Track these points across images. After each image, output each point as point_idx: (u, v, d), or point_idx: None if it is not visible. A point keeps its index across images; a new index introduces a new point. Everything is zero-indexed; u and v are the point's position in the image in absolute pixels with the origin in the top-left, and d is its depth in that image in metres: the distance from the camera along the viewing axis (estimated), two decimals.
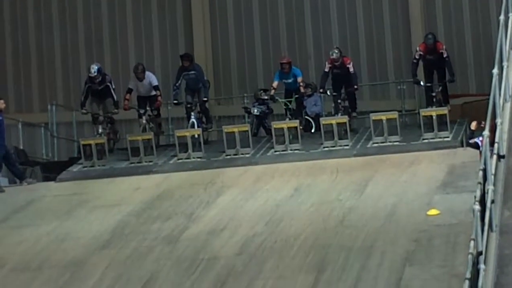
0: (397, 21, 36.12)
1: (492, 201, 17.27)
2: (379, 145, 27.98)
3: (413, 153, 26.36)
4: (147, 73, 30.31)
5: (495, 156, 18.74)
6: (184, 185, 26.93)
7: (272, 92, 29.49)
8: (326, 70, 29.46)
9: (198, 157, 29.22)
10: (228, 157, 28.97)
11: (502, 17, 23.21)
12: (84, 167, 30.14)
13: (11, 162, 28.73)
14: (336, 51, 28.60)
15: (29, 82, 38.51)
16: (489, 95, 20.44)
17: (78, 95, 34.02)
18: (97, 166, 29.90)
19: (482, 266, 15.40)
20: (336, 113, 29.33)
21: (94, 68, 29.60)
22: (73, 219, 24.79)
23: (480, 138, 20.20)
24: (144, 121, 29.91)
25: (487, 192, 17.22)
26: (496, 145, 19.11)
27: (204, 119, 30.44)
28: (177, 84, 30.23)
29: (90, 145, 30.13)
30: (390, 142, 27.83)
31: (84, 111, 30.29)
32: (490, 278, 15.95)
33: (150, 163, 29.43)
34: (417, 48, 27.58)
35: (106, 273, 21.09)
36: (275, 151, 28.82)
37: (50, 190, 28.03)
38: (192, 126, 29.32)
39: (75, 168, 30.20)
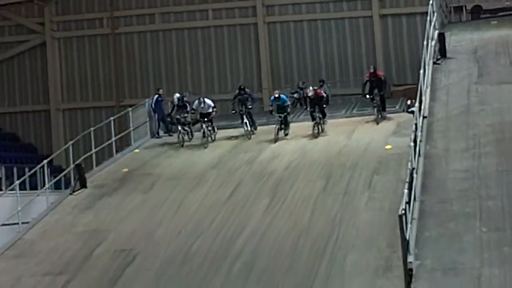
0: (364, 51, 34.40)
1: (420, 141, 18.48)
2: (358, 112, 28.06)
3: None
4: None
5: (421, 117, 19.75)
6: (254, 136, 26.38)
7: (271, 108, 26.39)
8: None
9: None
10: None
11: (425, 42, 23.79)
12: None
13: (165, 122, 27.31)
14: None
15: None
16: (418, 84, 21.42)
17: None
18: None
19: (415, 175, 16.27)
20: None
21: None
22: (197, 154, 25.01)
23: (413, 108, 20.44)
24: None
25: (417, 136, 18.25)
26: (422, 111, 19.97)
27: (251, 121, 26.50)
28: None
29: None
30: (364, 110, 27.60)
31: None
32: (419, 181, 16.85)
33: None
34: (366, 75, 26.34)
35: (215, 180, 22.08)
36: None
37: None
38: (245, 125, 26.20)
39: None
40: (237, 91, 27.14)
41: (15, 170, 23.22)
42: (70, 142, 24.87)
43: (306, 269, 15.89)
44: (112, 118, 26.70)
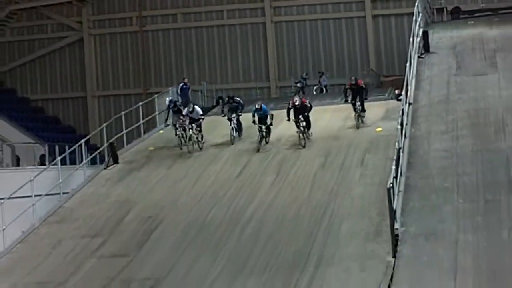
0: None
1: (406, 124, 18.57)
2: None
3: (371, 103, 25.00)
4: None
5: (407, 104, 19.86)
6: None
7: (253, 119, 22.68)
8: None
9: None
10: None
11: (411, 39, 23.70)
12: None
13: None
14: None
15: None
16: (404, 75, 21.42)
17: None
18: None
19: (401, 153, 16.45)
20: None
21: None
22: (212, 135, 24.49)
23: (400, 97, 20.74)
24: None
25: (404, 120, 18.31)
26: (407, 99, 20.14)
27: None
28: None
29: None
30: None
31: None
32: (405, 159, 17.06)
33: None
34: (347, 83, 24.43)
35: (228, 158, 21.89)
36: None
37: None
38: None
39: None
40: (227, 99, 25.46)
41: (57, 148, 23.29)
42: (104, 124, 25.07)
43: (306, 235, 15.87)
44: (140, 103, 26.61)
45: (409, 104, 20.16)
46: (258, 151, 22.26)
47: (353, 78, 24.25)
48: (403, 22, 33.79)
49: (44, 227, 19.28)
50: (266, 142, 22.72)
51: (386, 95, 27.64)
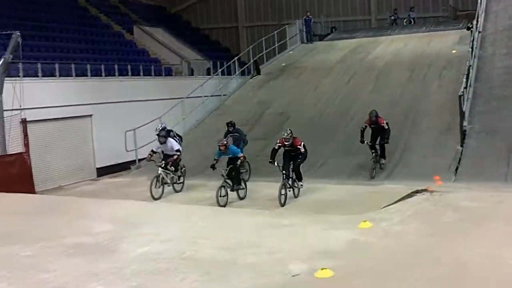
0: None
1: (475, 47, 17.46)
2: (434, 29, 25.42)
3: (448, 31, 23.81)
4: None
5: (477, 32, 18.54)
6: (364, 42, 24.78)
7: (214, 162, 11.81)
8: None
9: None
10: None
11: None
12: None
13: (310, 34, 25.57)
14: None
15: None
16: (476, 10, 19.83)
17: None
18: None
19: (471, 70, 15.86)
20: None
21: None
22: (327, 54, 23.74)
23: (472, 27, 19.45)
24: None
25: (474, 44, 17.44)
26: (477, 28, 18.75)
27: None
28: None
29: None
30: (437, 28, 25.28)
31: None
32: (474, 74, 16.14)
33: None
34: (365, 121, 13.79)
35: (339, 71, 21.35)
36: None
37: None
38: None
39: None
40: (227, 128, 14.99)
41: (218, 63, 23.65)
42: (250, 46, 24.91)
43: (398, 127, 15.49)
44: (275, 31, 25.90)
45: (479, 32, 18.79)
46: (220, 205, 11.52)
47: (373, 114, 13.71)
48: None
49: (211, 119, 19.72)
50: (241, 198, 12.24)
51: (461, 25, 25.44)
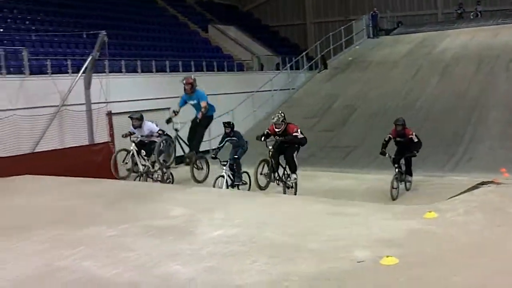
0: None
1: None
2: (501, 22, 24.23)
3: None
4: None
5: None
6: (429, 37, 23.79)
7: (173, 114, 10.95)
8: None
9: None
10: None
11: None
12: None
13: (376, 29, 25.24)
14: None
15: None
16: None
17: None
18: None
19: None
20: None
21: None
22: (392, 48, 23.23)
23: None
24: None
25: None
26: None
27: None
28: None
29: None
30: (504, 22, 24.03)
31: None
32: None
33: None
34: (390, 131, 11.37)
35: (405, 64, 20.60)
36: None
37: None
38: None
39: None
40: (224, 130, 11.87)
41: (286, 58, 23.62)
42: (318, 42, 24.68)
43: (463, 119, 15.16)
44: (342, 27, 25.36)
45: None
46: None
47: (399, 121, 11.32)
48: None
49: (280, 109, 19.75)
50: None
51: None
